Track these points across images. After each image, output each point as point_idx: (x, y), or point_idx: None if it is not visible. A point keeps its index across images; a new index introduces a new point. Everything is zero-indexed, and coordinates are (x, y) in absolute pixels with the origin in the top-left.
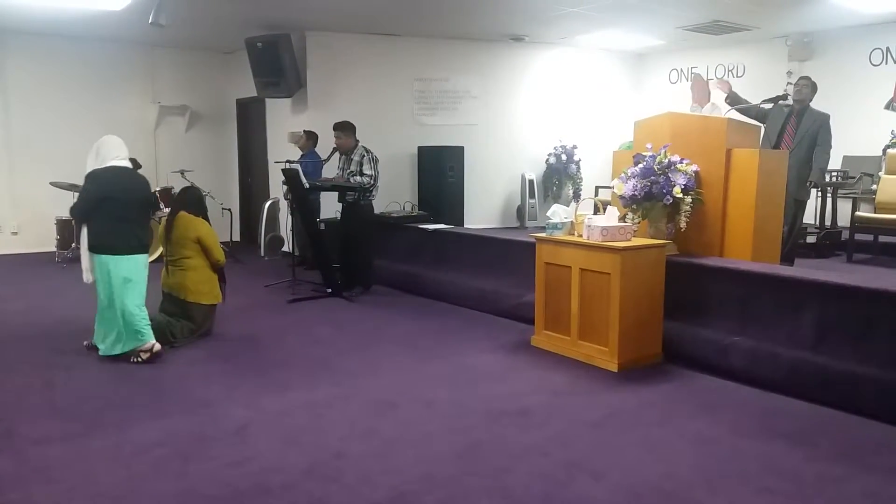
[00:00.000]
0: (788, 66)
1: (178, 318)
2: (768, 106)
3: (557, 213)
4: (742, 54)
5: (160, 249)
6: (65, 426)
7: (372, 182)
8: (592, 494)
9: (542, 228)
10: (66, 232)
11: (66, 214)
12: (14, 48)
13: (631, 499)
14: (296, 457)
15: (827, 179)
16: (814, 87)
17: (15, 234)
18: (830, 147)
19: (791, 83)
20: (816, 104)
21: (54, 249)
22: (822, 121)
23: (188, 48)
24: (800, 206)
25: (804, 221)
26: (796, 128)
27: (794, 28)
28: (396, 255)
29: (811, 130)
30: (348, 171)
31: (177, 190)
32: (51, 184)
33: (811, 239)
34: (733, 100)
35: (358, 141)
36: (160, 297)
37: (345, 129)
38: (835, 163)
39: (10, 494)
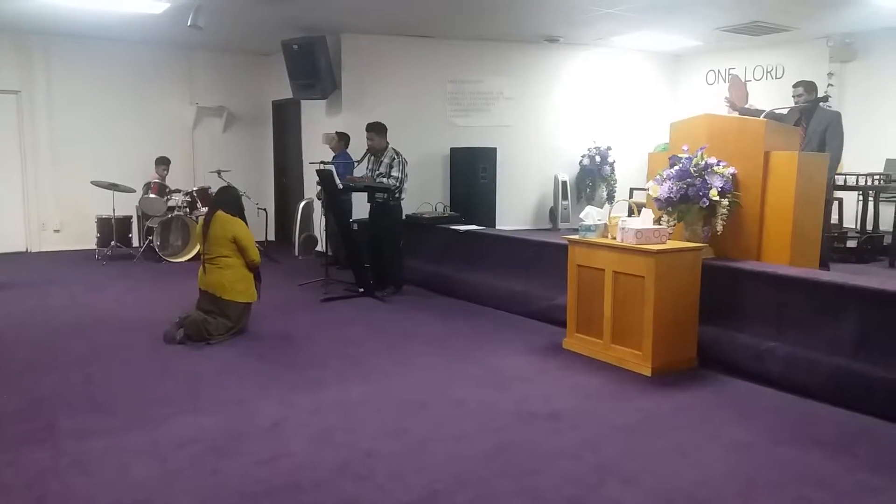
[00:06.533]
0: (830, 67)
1: (214, 315)
2: (784, 111)
3: (591, 215)
4: (781, 55)
5: (197, 247)
6: (103, 420)
7: (397, 185)
8: (623, 499)
9: (575, 230)
10: (106, 230)
11: (106, 213)
12: (57, 51)
13: None
14: (328, 454)
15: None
16: (808, 87)
17: (57, 231)
18: (840, 145)
19: (832, 84)
20: (859, 105)
21: (94, 247)
22: (830, 119)
23: (226, 51)
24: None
25: (844, 226)
26: (806, 128)
27: (835, 29)
28: (428, 255)
29: (819, 130)
30: (377, 172)
31: (214, 189)
32: (92, 183)
33: (852, 243)
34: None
35: (388, 143)
36: (197, 294)
37: (378, 130)
38: (877, 166)
39: (48, 486)
